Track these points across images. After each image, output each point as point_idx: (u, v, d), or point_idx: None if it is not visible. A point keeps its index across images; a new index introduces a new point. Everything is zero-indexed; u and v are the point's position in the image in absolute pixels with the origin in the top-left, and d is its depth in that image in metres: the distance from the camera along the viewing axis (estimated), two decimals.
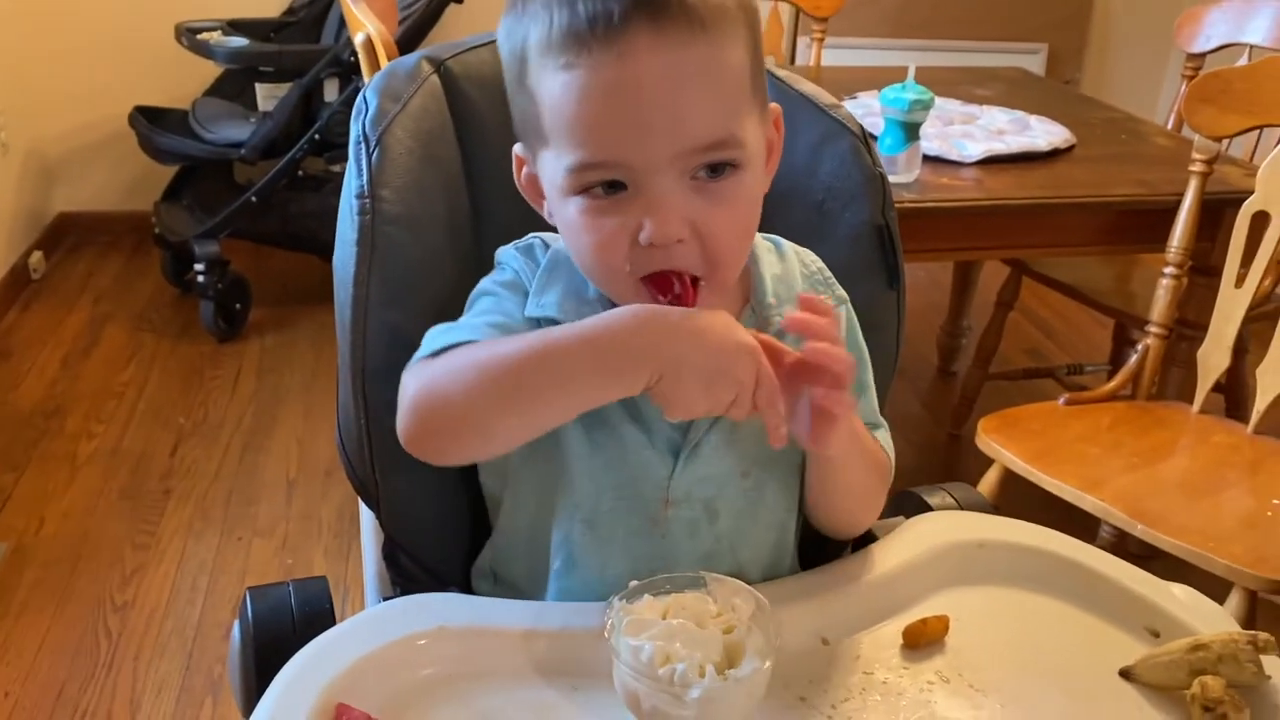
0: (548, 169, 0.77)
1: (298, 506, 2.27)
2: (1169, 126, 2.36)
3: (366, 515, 1.01)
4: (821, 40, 2.73)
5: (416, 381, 0.77)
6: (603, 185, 0.73)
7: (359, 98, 0.90)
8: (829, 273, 0.91)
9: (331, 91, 2.89)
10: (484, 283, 0.86)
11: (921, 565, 0.84)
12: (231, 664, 0.83)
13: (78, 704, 1.75)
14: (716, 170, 0.74)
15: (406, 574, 0.94)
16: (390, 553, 0.96)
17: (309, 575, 0.87)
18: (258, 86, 3.01)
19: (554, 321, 0.81)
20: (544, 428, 0.75)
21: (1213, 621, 0.78)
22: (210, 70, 3.08)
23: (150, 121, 3.00)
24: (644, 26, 0.69)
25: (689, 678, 0.63)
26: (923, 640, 0.78)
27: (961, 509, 0.95)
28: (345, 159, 0.90)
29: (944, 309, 2.95)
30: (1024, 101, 2.30)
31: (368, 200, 0.85)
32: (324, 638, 0.73)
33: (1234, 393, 2.36)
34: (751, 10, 0.76)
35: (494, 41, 0.87)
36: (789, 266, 0.88)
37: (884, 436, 0.89)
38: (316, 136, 2.83)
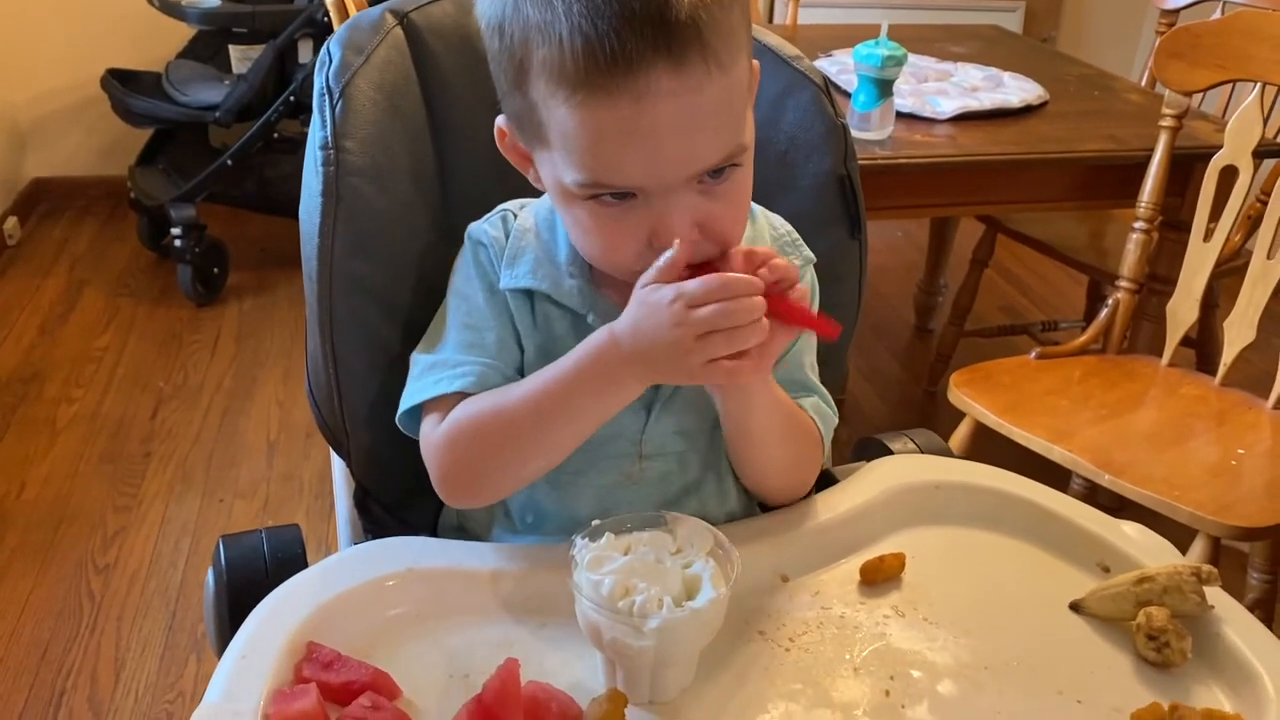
0: (547, 167, 0.77)
1: (279, 468, 2.29)
2: (1143, 83, 2.38)
3: (338, 464, 1.03)
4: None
5: (438, 454, 0.82)
6: (612, 194, 0.74)
7: (322, 50, 0.90)
8: (796, 235, 0.92)
9: (306, 53, 2.87)
10: (456, 275, 0.87)
11: (879, 506, 0.86)
12: (207, 608, 0.85)
13: (62, 664, 1.77)
14: (719, 171, 0.75)
15: (378, 522, 0.96)
16: (361, 500, 0.98)
17: None
18: (231, 48, 2.99)
19: (530, 292, 0.83)
20: (571, 450, 0.80)
21: (1160, 557, 0.81)
22: (183, 32, 3.05)
23: (123, 84, 2.97)
24: (665, 70, 0.69)
25: (647, 609, 0.65)
26: (879, 576, 0.81)
27: (922, 454, 0.97)
28: None
29: (921, 268, 2.98)
30: (999, 58, 2.31)
31: (332, 151, 0.86)
32: (295, 579, 0.75)
33: (1204, 346, 2.39)
34: (746, 3, 0.77)
35: None
36: (758, 230, 0.90)
37: (815, 403, 0.90)
38: (291, 98, 2.81)
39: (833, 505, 0.86)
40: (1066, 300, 3.12)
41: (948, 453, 0.97)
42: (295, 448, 2.35)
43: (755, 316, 0.70)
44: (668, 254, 0.73)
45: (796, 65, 0.98)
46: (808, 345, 0.91)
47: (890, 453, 0.96)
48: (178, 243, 2.83)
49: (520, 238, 0.85)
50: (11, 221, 3.21)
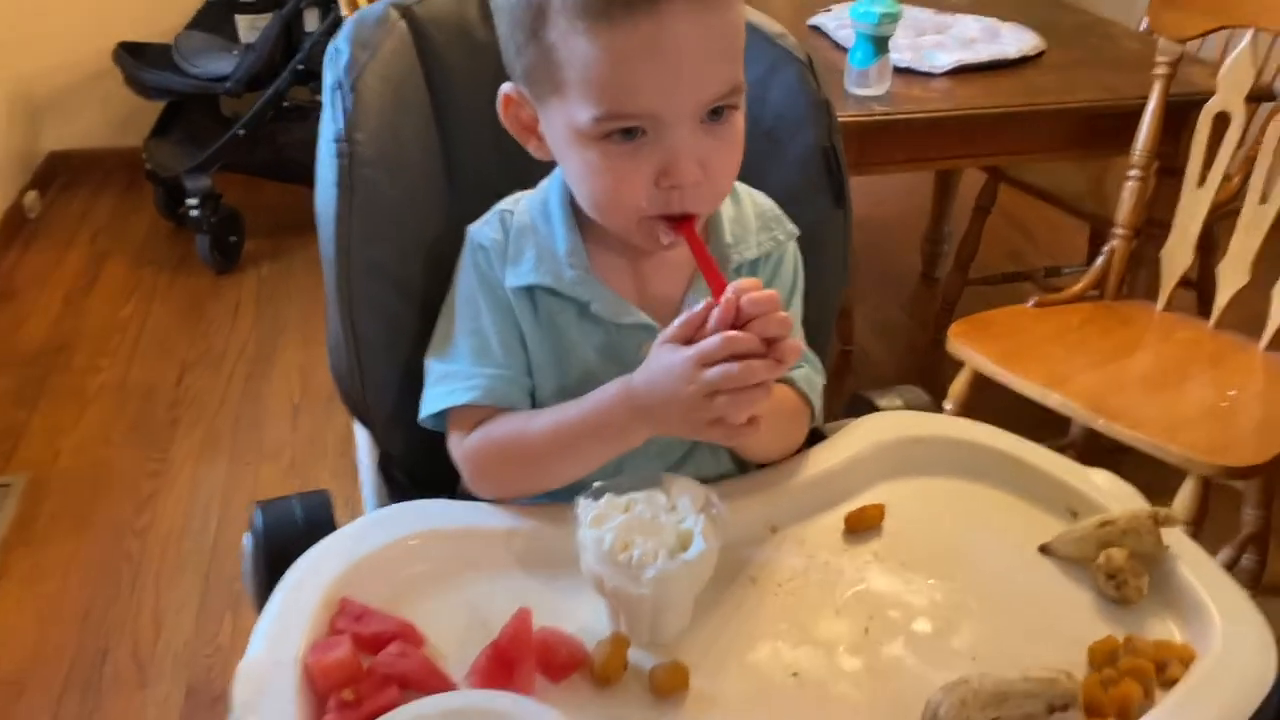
0: (559, 116, 0.82)
1: (303, 430, 2.36)
2: (1143, 28, 2.38)
3: (362, 433, 1.10)
4: None
5: (466, 467, 0.91)
6: (621, 132, 0.79)
7: (330, 46, 0.95)
8: (779, 211, 0.98)
9: (312, 21, 2.90)
10: (460, 279, 0.93)
11: (863, 460, 0.92)
12: (245, 570, 0.92)
13: (104, 623, 1.85)
14: (717, 112, 0.81)
15: (400, 486, 1.03)
16: (385, 467, 1.05)
17: None
18: (238, 18, 3.02)
19: (531, 289, 0.89)
20: (583, 476, 0.86)
21: (1126, 503, 0.86)
22: (190, 2, 3.09)
23: (134, 57, 3.01)
24: None
25: (644, 561, 0.72)
26: (861, 526, 0.87)
27: (908, 410, 1.03)
28: None
29: (927, 215, 3.00)
30: (998, 7, 2.31)
31: (344, 144, 0.91)
32: (327, 541, 0.82)
33: (1205, 290, 2.42)
34: None
35: None
36: (742, 208, 0.96)
37: (805, 374, 0.96)
38: (300, 67, 2.85)
39: (819, 461, 0.92)
40: (1072, 245, 3.13)
41: (932, 408, 1.03)
42: (318, 410, 2.41)
43: (759, 379, 0.76)
44: (693, 309, 0.78)
45: (781, 43, 1.02)
46: (798, 313, 0.97)
47: (877, 409, 1.02)
48: (194, 213, 2.89)
49: (520, 235, 0.91)
50: (31, 195, 3.26)
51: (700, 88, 0.78)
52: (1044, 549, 0.85)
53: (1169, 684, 0.73)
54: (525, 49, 0.82)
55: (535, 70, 0.82)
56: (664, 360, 0.79)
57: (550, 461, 0.87)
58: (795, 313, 0.97)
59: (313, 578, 0.77)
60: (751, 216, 0.95)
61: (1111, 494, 0.87)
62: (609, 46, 0.76)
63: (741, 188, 0.97)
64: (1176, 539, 0.82)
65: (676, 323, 0.79)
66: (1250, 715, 0.69)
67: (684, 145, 0.79)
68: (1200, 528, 1.59)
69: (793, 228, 0.97)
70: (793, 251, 0.97)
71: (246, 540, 0.91)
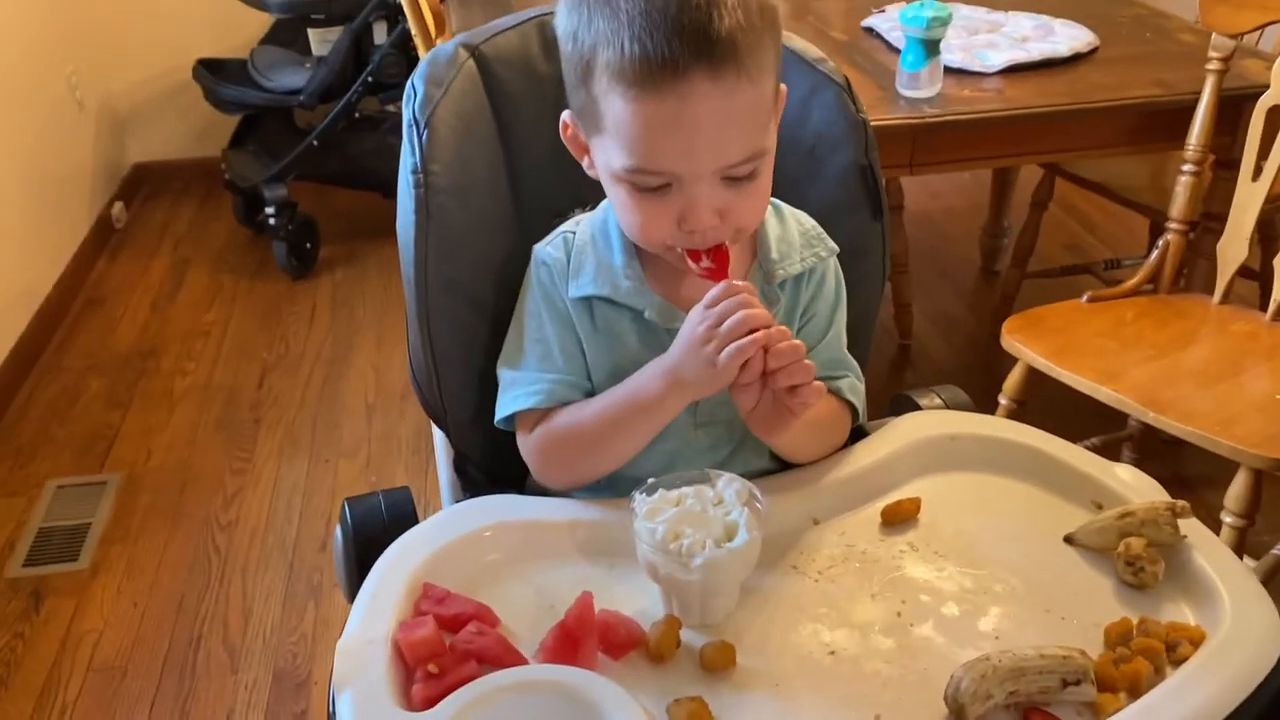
0: (601, 154, 0.92)
1: (378, 428, 2.46)
2: (1197, 22, 2.38)
3: (439, 435, 1.19)
4: None
5: (532, 461, 1.00)
6: (649, 184, 0.89)
7: (408, 85, 1.03)
8: (820, 229, 1.05)
9: (380, 34, 3.00)
10: (526, 294, 1.02)
11: (901, 456, 0.99)
12: (336, 560, 1.01)
13: (197, 612, 1.97)
14: (741, 173, 0.89)
15: (474, 482, 1.12)
16: (460, 465, 1.14)
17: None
18: (310, 32, 3.11)
19: (589, 300, 0.98)
20: (635, 453, 0.97)
21: (1148, 496, 0.91)
22: (264, 17, 3.20)
23: (212, 74, 3.14)
24: (703, 75, 0.83)
25: (693, 550, 0.80)
26: (898, 518, 0.93)
27: (947, 409, 1.09)
28: (398, 98, 1.05)
29: (985, 209, 3.01)
30: (1051, 3, 2.32)
31: (421, 175, 1.00)
32: (410, 533, 0.91)
33: (1266, 282, 2.40)
34: (776, 24, 0.90)
35: (521, 25, 1.02)
36: (787, 227, 1.03)
37: (850, 384, 1.03)
38: (369, 78, 2.95)
39: (859, 457, 0.99)
40: (1133, 236, 3.11)
41: (970, 407, 1.08)
42: (392, 409, 2.52)
43: (757, 312, 0.85)
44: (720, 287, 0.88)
45: (820, 68, 1.09)
46: (842, 326, 1.04)
47: (918, 408, 1.08)
48: (272, 221, 3.01)
49: (580, 253, 1.00)
50: (118, 206, 3.41)
51: (718, 156, 0.87)
52: (1069, 539, 0.91)
53: (1179, 662, 0.78)
54: (577, 91, 0.91)
55: (584, 111, 0.91)
56: (685, 327, 0.89)
57: (602, 442, 0.96)
58: (839, 324, 1.04)
59: (399, 565, 0.86)
60: (795, 235, 1.03)
61: (1134, 488, 0.92)
62: (639, 113, 0.85)
63: (785, 207, 1.04)
64: (1194, 528, 0.87)
65: (708, 297, 0.89)
66: (1253, 690, 0.74)
67: (703, 198, 0.88)
68: (1252, 520, 1.61)
69: (833, 245, 1.04)
70: (834, 267, 1.04)
71: (337, 533, 0.99)
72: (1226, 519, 1.61)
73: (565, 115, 0.96)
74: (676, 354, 0.90)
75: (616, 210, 0.95)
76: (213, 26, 3.42)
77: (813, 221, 1.05)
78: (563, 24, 0.91)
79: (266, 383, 2.65)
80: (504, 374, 1.01)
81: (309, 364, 2.72)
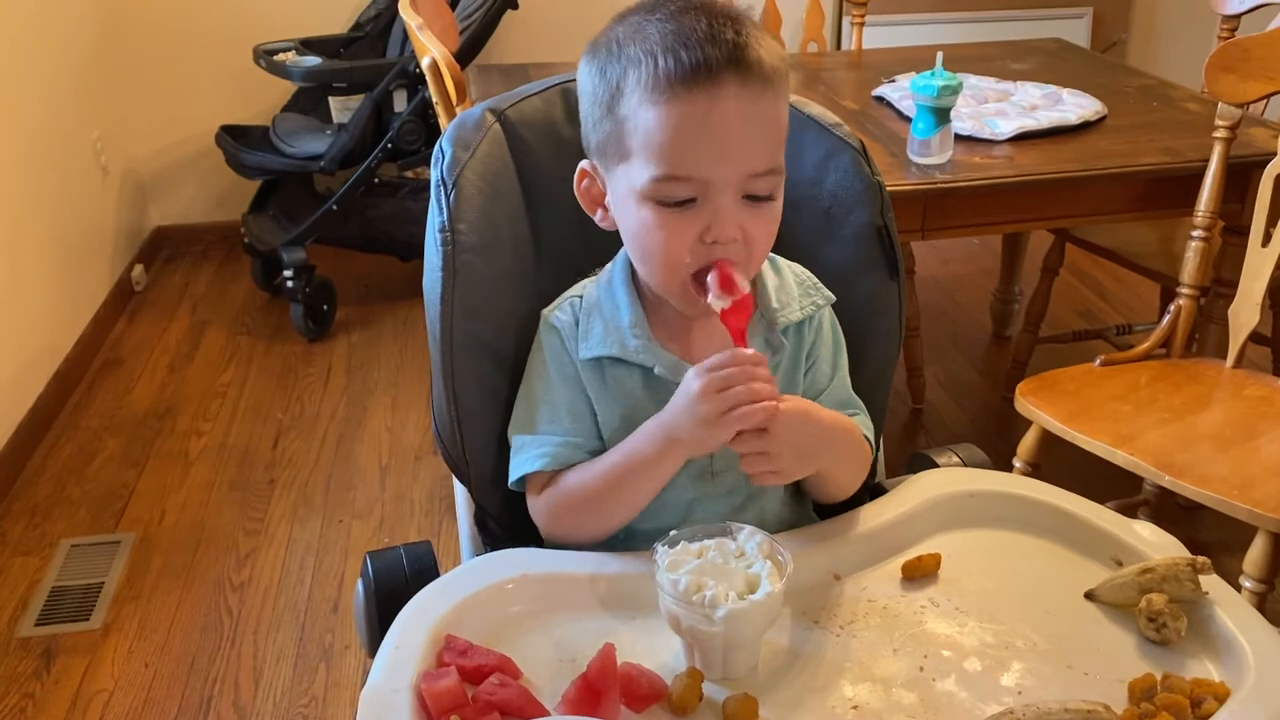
0: (623, 181, 0.95)
1: (391, 489, 2.46)
2: (1204, 92, 2.42)
3: (460, 489, 1.20)
4: (862, 23, 2.82)
5: (541, 521, 1.02)
6: (676, 199, 0.92)
7: (436, 147, 1.07)
8: (815, 278, 1.09)
9: (400, 102, 3.06)
10: (535, 358, 1.05)
11: (921, 513, 0.99)
12: (356, 613, 1.01)
13: (208, 673, 1.96)
14: (758, 198, 0.93)
15: (494, 536, 1.12)
16: (480, 519, 1.15)
17: None
18: (331, 100, 3.19)
19: (599, 360, 1.01)
20: (640, 510, 0.99)
21: (1168, 552, 0.92)
22: (286, 85, 3.27)
23: (235, 139, 3.20)
24: (733, 79, 0.89)
25: (716, 601, 0.80)
26: (918, 573, 0.94)
27: (965, 466, 1.09)
28: (417, 164, 1.09)
29: (996, 274, 3.04)
30: (1059, 74, 2.37)
31: (448, 234, 1.03)
32: (432, 585, 0.91)
33: (1278, 347, 2.42)
34: (788, 77, 0.96)
35: (544, 91, 1.05)
36: (784, 276, 1.07)
37: (862, 420, 1.06)
38: (389, 145, 3.00)
39: (880, 513, 1.00)
40: (1144, 301, 3.14)
41: (988, 465, 1.09)
42: (405, 470, 2.52)
43: (764, 385, 0.89)
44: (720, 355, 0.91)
45: (836, 132, 1.13)
46: (845, 370, 1.07)
47: (935, 466, 1.09)
48: (290, 283, 3.04)
49: (588, 315, 1.03)
50: (138, 269, 3.46)
51: (743, 161, 0.91)
52: (1089, 595, 0.91)
53: (1204, 718, 0.77)
54: (600, 124, 0.95)
55: (607, 143, 0.95)
56: (682, 385, 0.93)
57: (606, 501, 0.98)
58: (842, 367, 1.08)
59: (422, 616, 0.87)
60: (793, 285, 1.07)
61: (1154, 544, 0.93)
62: (670, 115, 0.89)
63: (781, 260, 1.08)
64: (1215, 584, 0.87)
65: (709, 361, 0.91)
66: None
67: (727, 210, 0.91)
68: (1272, 585, 1.60)
69: (829, 294, 1.08)
70: (828, 315, 1.08)
71: (358, 586, 1.00)
72: (1246, 584, 1.60)
73: (582, 164, 1.00)
74: (671, 413, 0.93)
75: (634, 239, 0.97)
76: (235, 95, 3.50)
77: (808, 272, 1.09)
78: (588, 69, 0.96)
79: (281, 443, 2.66)
80: (515, 439, 1.04)
81: (324, 425, 2.74)
